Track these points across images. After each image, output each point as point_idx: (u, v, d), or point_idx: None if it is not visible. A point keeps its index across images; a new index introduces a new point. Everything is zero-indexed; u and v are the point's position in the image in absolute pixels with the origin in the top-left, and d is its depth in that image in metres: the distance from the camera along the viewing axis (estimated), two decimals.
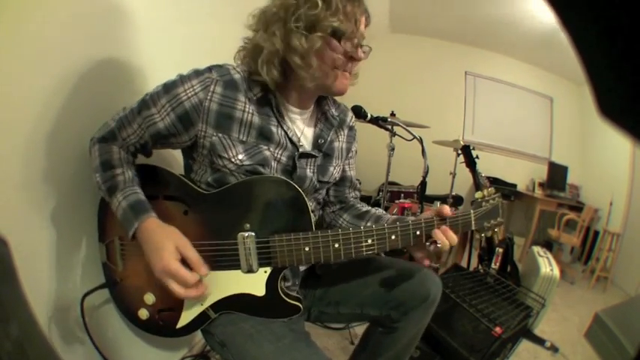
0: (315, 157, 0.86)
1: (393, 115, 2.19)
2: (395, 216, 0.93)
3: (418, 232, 0.78)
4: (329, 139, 0.89)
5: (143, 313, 0.81)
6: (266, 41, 0.73)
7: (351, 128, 0.98)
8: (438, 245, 0.77)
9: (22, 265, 0.31)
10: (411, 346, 0.97)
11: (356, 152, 1.01)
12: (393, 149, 1.90)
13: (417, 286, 0.91)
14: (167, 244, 0.69)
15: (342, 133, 0.94)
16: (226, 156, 0.75)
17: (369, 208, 0.97)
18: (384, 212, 0.95)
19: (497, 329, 1.42)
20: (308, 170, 0.85)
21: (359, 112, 1.34)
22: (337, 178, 0.94)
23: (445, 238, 0.77)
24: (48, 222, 0.78)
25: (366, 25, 0.80)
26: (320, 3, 0.70)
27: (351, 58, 0.76)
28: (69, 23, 0.76)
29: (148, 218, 0.71)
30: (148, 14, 0.97)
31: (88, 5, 0.80)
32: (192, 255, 0.70)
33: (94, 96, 0.85)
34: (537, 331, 2.00)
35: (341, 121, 0.93)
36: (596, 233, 3.59)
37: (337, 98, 0.94)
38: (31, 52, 0.69)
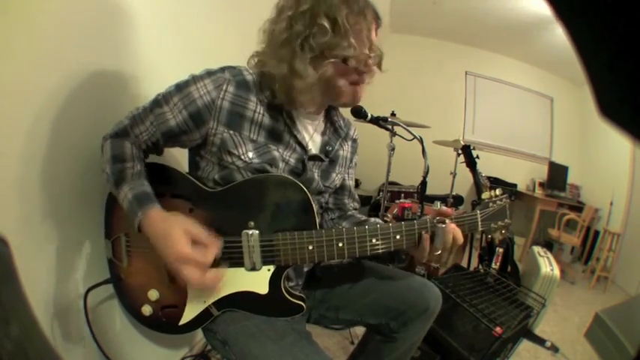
0: (322, 161, 0.87)
1: (393, 115, 2.20)
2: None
3: (424, 232, 0.78)
4: (336, 147, 0.90)
5: (146, 310, 0.82)
6: (275, 68, 0.74)
7: (354, 141, 1.00)
8: (444, 225, 0.76)
9: (22, 265, 0.31)
10: (409, 353, 0.98)
11: (356, 164, 1.02)
12: (393, 149, 1.90)
13: (416, 297, 0.92)
14: (175, 230, 0.67)
15: (347, 144, 0.96)
16: (236, 153, 0.75)
17: (368, 218, 0.97)
18: (382, 223, 0.95)
19: (498, 329, 1.42)
20: (315, 173, 0.86)
21: (359, 112, 1.33)
22: (337, 185, 0.95)
23: (451, 233, 0.77)
24: (50, 222, 0.78)
25: (378, 28, 0.79)
26: (329, 28, 0.70)
27: (363, 71, 0.77)
28: (69, 27, 0.76)
29: (152, 208, 0.70)
30: (149, 17, 0.97)
31: (89, 8, 0.80)
32: (201, 234, 0.68)
33: (95, 96, 0.85)
34: (538, 331, 2.00)
35: (346, 133, 0.96)
36: (597, 233, 3.59)
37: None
38: (33, 53, 0.69)
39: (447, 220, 0.78)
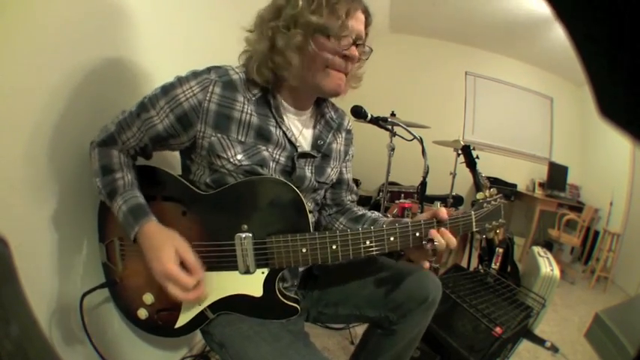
0: (313, 157, 0.86)
1: (393, 115, 2.20)
2: (391, 218, 0.92)
3: (417, 234, 0.78)
4: (328, 140, 0.89)
5: (142, 313, 0.82)
6: (254, 43, 0.75)
7: (348, 132, 0.98)
8: (435, 244, 0.76)
9: (22, 265, 0.31)
10: (411, 347, 0.97)
11: (352, 156, 1.01)
12: (393, 149, 1.90)
13: (415, 287, 0.91)
14: (166, 247, 0.70)
15: (340, 136, 0.95)
16: (225, 156, 0.75)
17: (366, 211, 0.97)
18: (380, 215, 0.94)
19: (498, 329, 1.42)
20: (307, 170, 0.85)
21: (359, 112, 1.33)
22: (334, 180, 0.94)
23: (442, 238, 0.77)
24: (48, 222, 0.78)
25: (367, 25, 0.79)
26: (300, 1, 0.70)
27: (345, 57, 0.75)
28: (70, 25, 0.76)
29: (147, 222, 0.72)
30: (149, 16, 0.97)
31: (88, 7, 0.80)
32: (190, 258, 0.71)
33: (95, 97, 0.85)
34: (537, 331, 2.00)
35: (339, 124, 0.94)
36: (597, 233, 3.59)
37: (335, 101, 0.94)
38: (32, 54, 0.69)
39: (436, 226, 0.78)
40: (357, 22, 0.75)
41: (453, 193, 2.61)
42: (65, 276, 0.84)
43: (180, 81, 0.74)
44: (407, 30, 4.01)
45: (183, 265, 0.70)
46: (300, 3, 0.70)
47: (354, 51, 0.75)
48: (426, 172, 1.47)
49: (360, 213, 0.96)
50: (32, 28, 0.69)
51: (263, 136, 0.78)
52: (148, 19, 0.97)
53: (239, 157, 0.75)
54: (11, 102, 0.67)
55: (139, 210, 0.73)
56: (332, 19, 0.71)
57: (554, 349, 1.87)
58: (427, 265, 0.84)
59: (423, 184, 1.54)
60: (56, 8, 0.73)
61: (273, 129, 0.79)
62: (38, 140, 0.73)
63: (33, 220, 0.75)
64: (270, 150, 0.79)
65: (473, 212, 0.85)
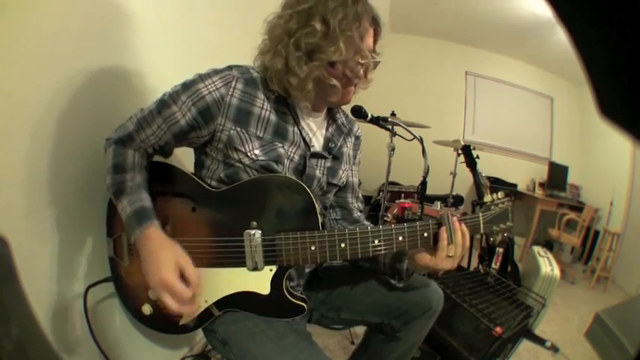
0: (325, 158, 0.87)
1: (393, 115, 2.19)
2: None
3: (425, 234, 0.77)
4: (339, 144, 0.90)
5: (147, 309, 0.82)
6: (270, 61, 0.75)
7: (357, 137, 0.99)
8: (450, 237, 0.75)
9: (24, 265, 0.31)
10: (411, 352, 0.97)
11: (359, 161, 1.02)
12: (393, 149, 1.90)
13: (419, 296, 0.92)
14: (168, 257, 0.68)
15: (350, 141, 0.96)
16: (243, 150, 0.75)
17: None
18: None
19: (498, 329, 1.42)
20: (317, 171, 0.85)
21: (359, 112, 1.33)
22: (344, 182, 0.95)
23: (459, 229, 0.76)
24: (49, 222, 0.78)
25: (377, 35, 0.79)
26: (320, 30, 0.70)
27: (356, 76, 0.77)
28: (72, 25, 0.76)
29: (149, 227, 0.71)
30: (150, 17, 0.97)
31: (91, 8, 0.80)
32: (191, 270, 0.69)
33: (100, 96, 0.85)
34: (538, 331, 2.00)
35: (349, 129, 0.95)
36: (597, 233, 3.59)
37: None
38: (35, 53, 0.70)
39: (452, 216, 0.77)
40: (367, 40, 0.76)
41: (453, 193, 2.61)
42: (68, 274, 0.84)
43: (202, 77, 0.75)
44: (407, 30, 4.01)
45: (183, 277, 0.68)
46: (318, 30, 0.70)
47: (362, 72, 0.77)
48: (426, 172, 1.47)
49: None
50: (32, 30, 0.69)
51: (280, 133, 0.79)
52: (150, 22, 0.97)
53: (256, 151, 0.76)
54: (15, 102, 0.67)
55: (142, 214, 0.72)
56: (349, 49, 0.72)
57: (555, 349, 1.87)
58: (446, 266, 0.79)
59: (423, 184, 1.54)
60: (57, 11, 0.73)
61: (290, 127, 0.80)
62: (43, 139, 0.74)
63: (34, 219, 0.75)
64: (285, 147, 0.80)
65: (481, 214, 0.84)
